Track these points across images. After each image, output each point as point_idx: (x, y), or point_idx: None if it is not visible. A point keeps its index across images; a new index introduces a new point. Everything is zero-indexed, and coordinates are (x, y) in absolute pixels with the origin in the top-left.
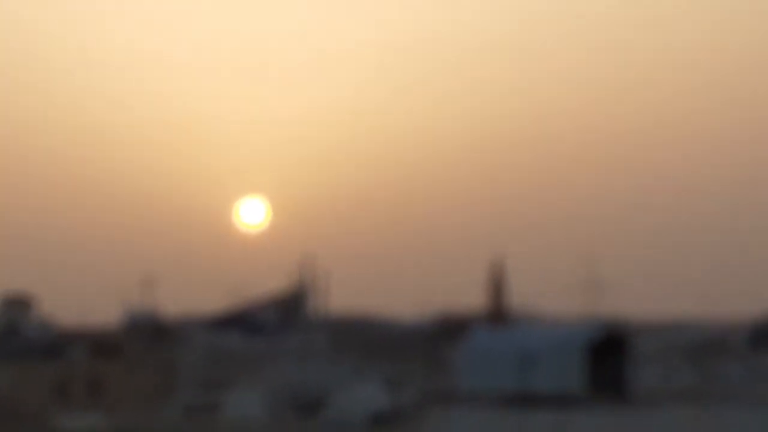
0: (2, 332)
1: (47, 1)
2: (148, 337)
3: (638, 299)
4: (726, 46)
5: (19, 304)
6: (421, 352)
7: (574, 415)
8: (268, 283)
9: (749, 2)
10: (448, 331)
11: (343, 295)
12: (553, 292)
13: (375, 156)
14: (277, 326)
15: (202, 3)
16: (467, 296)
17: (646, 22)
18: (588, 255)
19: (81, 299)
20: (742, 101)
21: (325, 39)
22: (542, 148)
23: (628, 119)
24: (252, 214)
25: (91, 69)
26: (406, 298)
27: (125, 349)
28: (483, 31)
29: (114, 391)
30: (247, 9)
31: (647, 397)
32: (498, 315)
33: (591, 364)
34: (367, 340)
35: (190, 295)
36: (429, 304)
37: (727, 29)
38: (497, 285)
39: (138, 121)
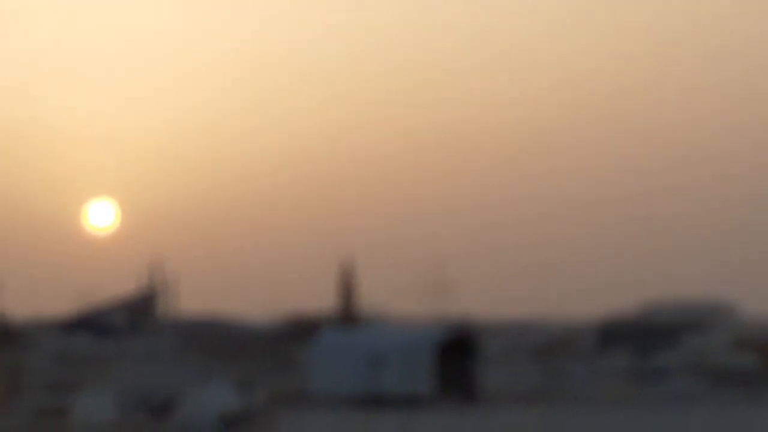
0: None
1: None
2: None
3: (485, 300)
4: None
5: None
6: (271, 353)
7: (423, 416)
8: (117, 285)
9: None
10: (298, 332)
11: (193, 298)
12: (402, 293)
13: (223, 160)
14: (127, 329)
15: (62, 1)
16: (317, 298)
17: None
18: (435, 257)
19: None
20: (602, 101)
21: (183, 46)
22: (389, 153)
23: (467, 121)
24: (101, 217)
25: None
26: (255, 300)
27: None
28: (338, 46)
29: None
30: (106, 11)
31: (494, 397)
32: (348, 317)
33: (439, 364)
34: (217, 341)
35: (38, 298)
36: (279, 306)
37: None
38: (347, 287)
39: None
